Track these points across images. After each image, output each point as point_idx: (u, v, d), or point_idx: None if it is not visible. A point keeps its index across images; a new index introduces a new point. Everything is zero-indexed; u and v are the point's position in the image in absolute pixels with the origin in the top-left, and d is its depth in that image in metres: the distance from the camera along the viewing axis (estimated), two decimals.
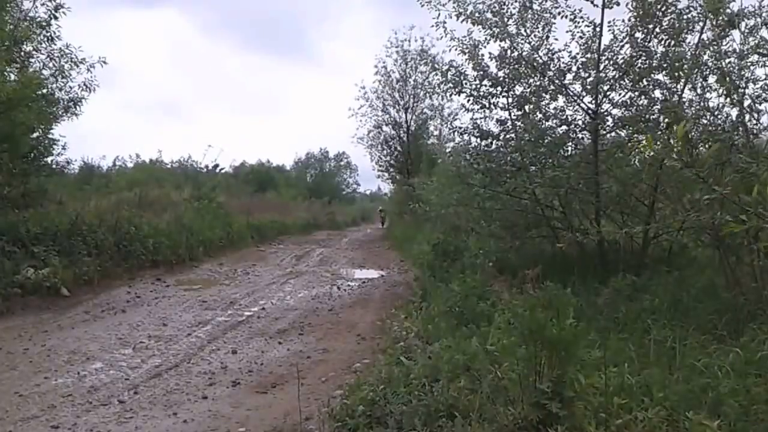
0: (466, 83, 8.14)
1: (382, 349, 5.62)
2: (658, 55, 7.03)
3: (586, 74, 7.49)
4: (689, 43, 7.03)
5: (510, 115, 8.13)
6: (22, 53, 10.41)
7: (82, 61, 11.26)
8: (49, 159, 12.57)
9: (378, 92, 27.01)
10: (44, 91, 10.42)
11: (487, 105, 8.20)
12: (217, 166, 51.17)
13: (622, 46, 7.31)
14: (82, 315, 7.72)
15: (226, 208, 18.19)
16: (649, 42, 7.14)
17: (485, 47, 7.95)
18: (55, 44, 10.97)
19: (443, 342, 5.11)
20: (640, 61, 7.18)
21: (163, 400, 4.53)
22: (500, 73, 8.03)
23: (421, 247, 12.36)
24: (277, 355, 5.92)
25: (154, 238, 11.72)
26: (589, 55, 7.48)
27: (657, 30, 7.10)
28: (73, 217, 10.03)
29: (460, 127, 8.53)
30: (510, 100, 8.09)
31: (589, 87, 7.47)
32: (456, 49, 8.03)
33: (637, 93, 7.30)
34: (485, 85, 8.12)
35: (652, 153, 3.66)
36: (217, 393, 4.74)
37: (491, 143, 8.22)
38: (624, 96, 7.44)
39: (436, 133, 27.15)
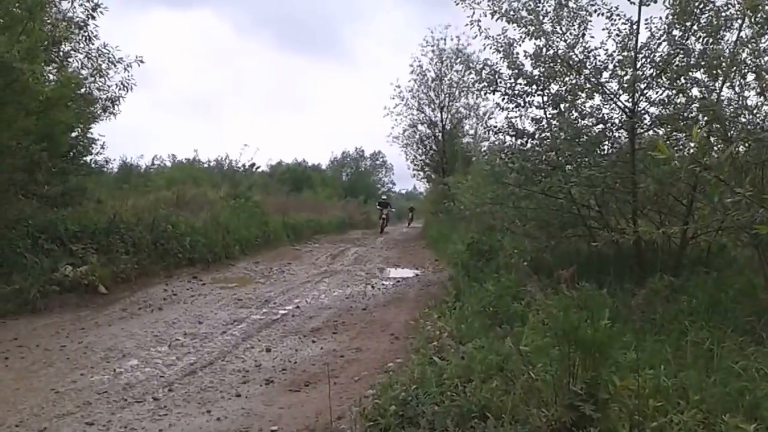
0: (500, 82, 8.10)
1: (416, 348, 5.58)
2: (696, 52, 6.89)
3: (623, 72, 7.36)
4: (727, 40, 6.88)
5: (545, 113, 8.05)
6: (61, 53, 10.58)
7: (119, 60, 11.46)
8: (88, 158, 12.80)
9: (413, 91, 26.98)
10: (82, 90, 10.59)
11: (522, 104, 8.14)
12: (253, 165, 51.51)
13: (660, 43, 7.18)
14: (120, 312, 7.83)
15: (262, 207, 18.29)
16: (687, 40, 7.00)
17: (520, 45, 7.89)
18: (93, 44, 11.15)
19: (476, 342, 5.09)
20: (677, 58, 7.05)
21: (197, 398, 4.58)
22: (535, 72, 7.96)
23: (456, 247, 12.29)
24: (310, 353, 5.94)
25: (191, 236, 11.84)
26: (625, 53, 7.36)
27: (695, 27, 6.95)
28: (111, 215, 10.18)
29: (495, 126, 8.49)
30: (545, 98, 8.00)
31: (625, 85, 7.35)
32: (491, 48, 8.00)
33: (674, 91, 7.17)
34: (520, 84, 8.06)
35: (695, 147, 3.55)
36: (250, 391, 4.77)
37: (526, 142, 8.16)
38: (661, 94, 7.31)
39: (471, 132, 27.09)
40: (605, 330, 3.54)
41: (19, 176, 8.89)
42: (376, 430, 3.67)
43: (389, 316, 7.74)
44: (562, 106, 7.86)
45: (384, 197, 34.67)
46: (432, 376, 4.36)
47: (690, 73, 7.06)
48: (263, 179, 48.53)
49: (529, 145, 8.09)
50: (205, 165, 48.61)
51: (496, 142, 9.02)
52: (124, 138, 47.14)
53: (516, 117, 8.25)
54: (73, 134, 11.52)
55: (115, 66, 11.36)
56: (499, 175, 8.23)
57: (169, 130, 79.12)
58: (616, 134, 7.74)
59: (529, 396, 3.71)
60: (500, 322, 6.12)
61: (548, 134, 7.88)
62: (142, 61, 11.55)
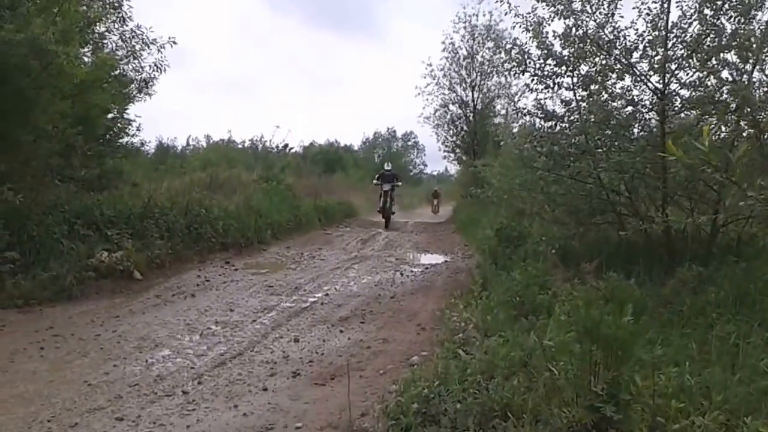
0: (529, 62, 8.03)
1: (441, 340, 5.62)
2: (727, 33, 6.74)
3: (654, 53, 7.25)
4: (759, 20, 6.74)
5: (575, 95, 7.98)
6: (95, 35, 10.69)
7: (153, 41, 11.61)
8: (124, 140, 13.01)
9: (445, 70, 26.70)
10: (117, 72, 10.76)
11: (551, 85, 8.06)
12: (286, 146, 51.78)
13: (691, 23, 7.05)
14: (153, 299, 7.99)
15: (294, 190, 18.42)
16: (718, 19, 6.86)
17: (549, 25, 7.82)
18: (127, 25, 11.31)
19: (501, 335, 5.10)
20: (708, 39, 6.92)
21: (225, 392, 4.67)
22: (565, 52, 7.88)
23: (486, 231, 12.25)
24: (337, 344, 6.01)
25: (224, 220, 11.99)
26: (656, 33, 7.24)
27: (726, 7, 6.81)
28: (146, 200, 10.33)
29: (524, 108, 8.43)
30: (575, 79, 7.93)
31: (656, 66, 7.24)
32: (520, 27, 7.94)
33: (705, 73, 7.03)
34: (549, 64, 8.00)
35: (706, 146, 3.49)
36: (277, 384, 4.85)
37: (555, 125, 8.08)
38: (692, 76, 7.17)
39: (503, 112, 26.81)
40: (628, 327, 3.52)
41: (55, 161, 9.04)
42: (397, 428, 3.71)
43: (417, 305, 7.78)
44: (591, 87, 7.78)
45: (387, 167, 22.25)
46: (455, 371, 4.39)
47: (721, 54, 6.93)
48: (296, 160, 48.84)
49: (558, 128, 8.03)
50: (240, 146, 49.19)
51: (526, 124, 8.98)
52: (160, 119, 47.81)
53: (545, 98, 8.20)
54: (109, 116, 11.71)
55: (148, 47, 11.52)
56: (527, 160, 8.18)
57: (205, 110, 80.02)
58: (647, 116, 7.65)
59: (551, 395, 3.72)
60: (526, 314, 6.15)
61: (577, 116, 7.80)
62: (174, 42, 11.70)
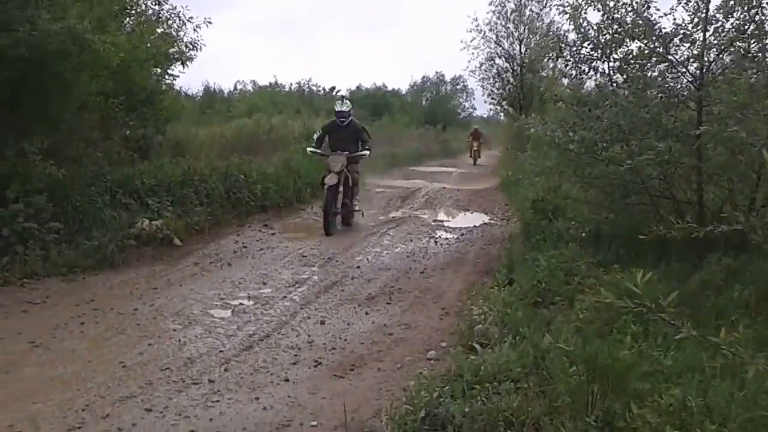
0: (565, 47, 7.95)
1: (460, 332, 5.76)
2: None
3: (692, 40, 7.10)
4: None
5: (610, 81, 7.88)
6: (132, 15, 11.01)
7: (190, 19, 12.06)
8: (166, 102, 13.32)
9: (491, 24, 26.32)
10: (154, 52, 11.05)
11: (587, 70, 7.99)
12: (333, 89, 51.73)
13: (731, 12, 6.85)
14: (192, 267, 8.29)
15: None
16: (759, 7, 6.65)
17: (586, 13, 7.70)
18: (163, 6, 11.71)
19: (519, 332, 5.21)
20: (750, 27, 6.74)
21: (249, 381, 4.88)
22: (601, 37, 7.76)
23: (527, 193, 12.21)
24: (361, 329, 6.18)
25: (263, 183, 12.24)
26: (696, 20, 7.06)
27: None
28: (186, 168, 10.62)
29: (555, 96, 8.37)
30: (611, 65, 7.84)
31: (695, 52, 7.10)
32: (556, 8, 7.86)
33: (745, 61, 6.86)
34: (586, 48, 7.91)
35: None
36: (298, 375, 5.05)
37: (589, 110, 7.99)
38: (731, 64, 7.01)
39: (551, 65, 26.30)
40: (625, 359, 3.61)
41: (96, 134, 9.35)
42: None
43: (445, 282, 7.89)
44: (627, 73, 7.67)
45: (344, 107, 11.79)
46: (468, 371, 4.53)
47: (762, 41, 6.76)
48: None
49: (592, 114, 7.94)
50: (287, 90, 49.23)
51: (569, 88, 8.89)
52: (210, 63, 48.01)
53: (579, 84, 8.14)
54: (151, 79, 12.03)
55: (185, 26, 11.95)
56: (561, 144, 8.13)
57: (252, 53, 79.84)
58: (683, 104, 7.52)
59: (552, 410, 3.84)
60: (548, 303, 6.25)
61: (612, 103, 7.70)
62: (210, 22, 12.18)
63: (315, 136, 11.94)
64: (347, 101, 12.14)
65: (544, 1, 25.33)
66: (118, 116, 10.02)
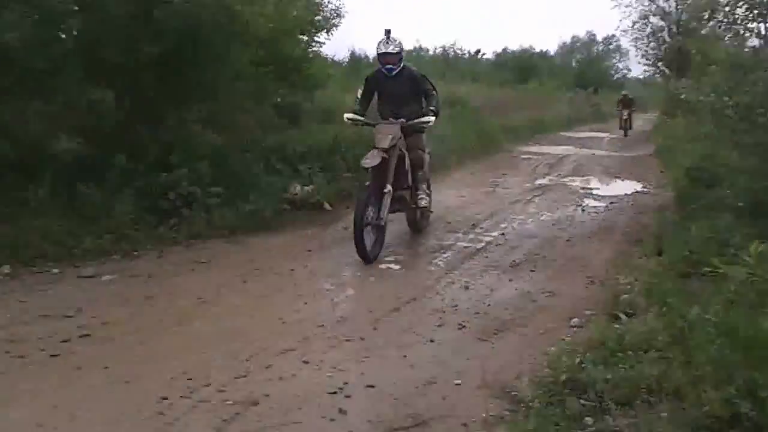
0: (718, 8, 7.58)
1: (606, 300, 5.72)
2: None
3: None
4: None
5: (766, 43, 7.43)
6: None
7: None
8: (313, 69, 13.82)
9: None
10: (300, 21, 11.53)
11: (742, 32, 7.57)
12: (478, 52, 51.02)
13: None
14: (342, 232, 8.64)
15: (478, 113, 18.43)
16: None
17: None
18: None
19: (666, 301, 5.11)
20: None
21: (397, 341, 5.12)
22: None
23: (683, 160, 11.71)
24: (505, 295, 6.27)
25: None
26: None
27: None
28: (334, 135, 11.05)
29: (708, 58, 7.97)
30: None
31: None
32: None
33: None
34: (741, 6, 7.49)
35: None
36: (443, 337, 5.22)
37: (744, 74, 7.58)
38: None
39: (710, 24, 24.67)
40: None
41: (250, 103, 9.91)
42: (545, 395, 3.95)
43: (591, 251, 7.78)
44: None
45: (390, 48, 7.55)
46: (611, 339, 4.53)
47: None
48: (488, 67, 48.18)
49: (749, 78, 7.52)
50: (430, 54, 49.13)
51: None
52: (354, 28, 48.77)
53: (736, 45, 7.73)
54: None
55: None
56: (717, 109, 7.74)
57: (397, 17, 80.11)
58: None
59: (695, 380, 3.78)
60: (699, 274, 6.04)
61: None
62: None
63: (358, 94, 8.67)
64: (395, 39, 7.66)
65: None
66: (269, 84, 10.51)
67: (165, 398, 4.07)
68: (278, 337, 5.14)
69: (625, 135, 25.57)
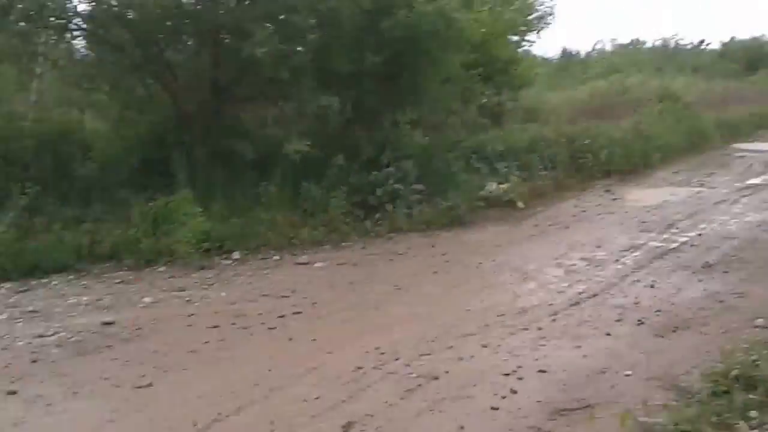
0: None
1: None
2: None
3: None
4: None
5: None
6: None
7: None
8: (520, 69, 14.14)
9: None
10: (512, 24, 11.89)
11: None
12: (702, 42, 47.94)
13: None
14: (531, 229, 8.98)
15: (692, 108, 17.58)
16: None
17: None
18: None
19: None
20: None
21: (573, 332, 5.40)
22: None
23: None
24: (690, 295, 6.26)
25: (609, 148, 12.38)
26: None
27: None
28: (533, 135, 11.33)
29: None
30: None
31: None
32: None
33: None
34: None
35: None
36: (620, 331, 5.40)
37: None
38: None
39: None
40: None
41: (457, 104, 10.46)
42: (714, 387, 4.06)
43: None
44: None
45: None
46: None
47: None
48: (711, 58, 45.09)
49: None
50: (649, 47, 46.88)
51: None
52: (568, 24, 47.91)
53: None
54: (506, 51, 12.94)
55: None
56: None
57: (614, 11, 77.28)
58: None
59: None
60: None
61: None
62: None
63: None
64: None
65: None
66: (476, 86, 11.01)
67: (360, 367, 4.75)
68: (461, 323, 5.64)
69: None
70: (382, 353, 4.99)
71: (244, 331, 5.59)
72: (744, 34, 53.24)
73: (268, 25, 8.06)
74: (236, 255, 7.69)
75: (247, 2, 8.67)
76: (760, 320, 5.42)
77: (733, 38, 47.45)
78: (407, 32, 8.55)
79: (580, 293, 6.37)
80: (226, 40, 8.48)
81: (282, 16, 8.40)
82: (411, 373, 4.65)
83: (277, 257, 7.71)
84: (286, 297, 6.40)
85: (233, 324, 5.71)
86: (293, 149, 8.19)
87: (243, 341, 5.39)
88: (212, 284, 6.82)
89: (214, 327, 5.63)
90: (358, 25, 8.51)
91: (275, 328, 5.63)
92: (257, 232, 7.97)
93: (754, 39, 48.71)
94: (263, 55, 7.64)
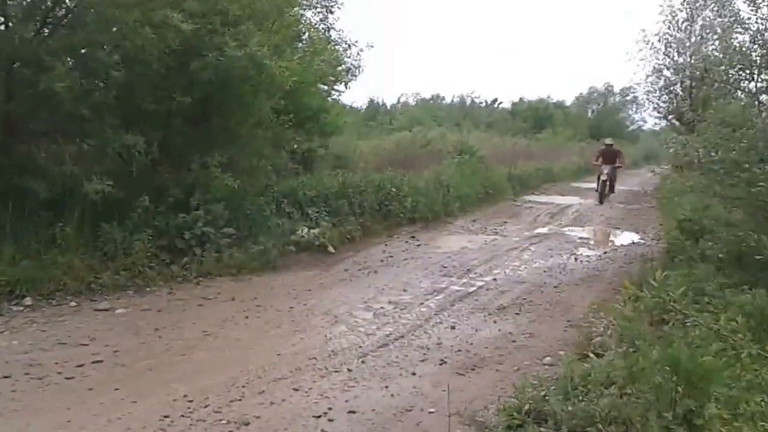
0: (711, 69, 8.09)
1: (579, 342, 6.14)
2: None
3: None
4: None
5: (757, 102, 7.90)
6: (303, 42, 12.29)
7: (355, 42, 13.51)
8: (330, 117, 14.57)
9: (660, 34, 25.63)
10: (321, 74, 12.25)
11: (731, 90, 8.06)
12: (495, 101, 51.81)
13: None
14: (342, 273, 9.19)
15: (486, 161, 18.95)
16: None
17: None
18: (331, 34, 13.13)
19: (635, 343, 5.52)
20: None
21: (381, 372, 5.59)
22: (754, 55, 7.82)
23: (678, 212, 12.10)
24: (487, 335, 6.72)
25: (413, 197, 13.04)
26: None
27: None
28: (342, 181, 11.66)
29: (698, 116, 8.48)
30: (758, 85, 7.87)
31: None
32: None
33: None
34: (734, 67, 7.99)
35: None
36: (425, 370, 5.69)
37: (733, 130, 8.04)
38: None
39: (724, 77, 25.13)
40: (704, 364, 3.95)
41: (268, 149, 10.53)
42: (513, 424, 4.40)
43: (576, 297, 8.23)
44: None
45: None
46: (577, 376, 4.95)
47: None
48: (503, 116, 48.89)
49: (736, 134, 7.97)
50: (448, 102, 49.98)
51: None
52: (374, 74, 49.98)
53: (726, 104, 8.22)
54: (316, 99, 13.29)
55: (350, 48, 13.29)
56: (706, 163, 8.19)
57: (417, 66, 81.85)
58: None
59: (643, 410, 4.21)
60: (673, 321, 6.45)
61: (751, 126, 7.71)
62: (371, 46, 13.58)
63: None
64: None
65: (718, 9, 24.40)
66: (287, 132, 11.15)
67: (167, 416, 4.58)
68: (273, 367, 5.63)
69: (600, 202, 18.81)
70: (191, 401, 4.85)
71: (38, 381, 5.16)
72: (531, 95, 58.27)
73: (68, 59, 7.68)
74: (28, 301, 7.10)
75: (46, 33, 8.20)
76: (548, 358, 5.94)
77: (521, 98, 52.03)
78: (218, 75, 8.49)
79: (387, 335, 6.61)
80: (24, 71, 7.93)
81: (84, 50, 8.06)
82: (221, 420, 4.56)
83: (74, 303, 7.22)
84: (85, 345, 6.01)
85: (26, 374, 5.27)
86: (93, 189, 7.76)
87: (38, 392, 4.98)
88: (1, 332, 6.25)
89: (5, 377, 5.16)
90: (166, 64, 8.33)
91: (73, 377, 5.26)
92: (52, 275, 7.42)
93: (540, 100, 53.70)
94: (62, 89, 7.24)
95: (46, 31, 8.24)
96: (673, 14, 25.19)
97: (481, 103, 51.25)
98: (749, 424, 3.82)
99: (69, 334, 6.30)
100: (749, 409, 3.96)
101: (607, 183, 18.88)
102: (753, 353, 4.93)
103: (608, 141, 20.10)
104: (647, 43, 25.58)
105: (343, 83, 14.31)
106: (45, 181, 7.81)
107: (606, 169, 18.76)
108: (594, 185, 19.84)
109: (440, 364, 5.86)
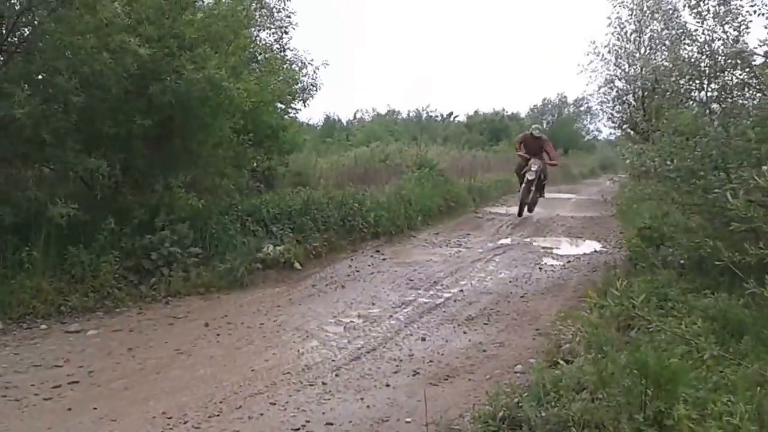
0: (662, 79, 8.33)
1: (548, 350, 6.28)
2: None
3: None
4: None
5: (708, 111, 8.16)
6: (260, 63, 12.46)
7: (311, 62, 14.12)
8: (289, 135, 14.69)
9: (610, 45, 26.22)
10: (278, 93, 12.39)
11: (683, 101, 8.33)
12: (451, 114, 52.33)
13: None
14: (310, 289, 9.23)
15: (446, 174, 19.12)
16: None
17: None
18: (287, 54, 13.37)
19: (603, 349, 5.68)
20: None
21: (356, 385, 5.66)
22: (702, 66, 8.09)
23: (638, 220, 12.39)
24: (458, 345, 6.83)
25: (376, 211, 13.12)
26: None
27: None
28: (305, 197, 11.71)
29: (652, 125, 8.71)
30: (709, 94, 8.13)
31: None
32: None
33: None
34: (684, 77, 8.26)
35: None
36: (398, 382, 5.77)
37: (687, 139, 8.29)
38: None
39: (675, 88, 25.78)
40: (671, 367, 4.11)
41: (229, 168, 10.54)
42: (488, 431, 4.49)
43: (543, 306, 8.39)
44: (725, 104, 7.96)
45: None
46: (548, 382, 5.08)
47: None
48: (459, 129, 49.39)
49: (689, 143, 8.23)
50: (404, 116, 50.31)
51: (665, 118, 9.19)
52: (331, 91, 50.34)
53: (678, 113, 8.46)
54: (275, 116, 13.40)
55: (306, 67, 13.51)
56: (662, 172, 8.43)
57: (372, 81, 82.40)
58: None
59: (615, 413, 4.36)
60: (638, 326, 6.64)
61: (710, 132, 7.96)
62: (327, 64, 13.93)
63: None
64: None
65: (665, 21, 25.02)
66: (248, 151, 11.20)
67: None
68: (248, 382, 5.66)
69: (520, 214, 16.98)
70: (169, 417, 4.87)
71: (17, 402, 5.13)
72: (486, 107, 59.00)
73: (26, 85, 7.63)
74: None
75: (1, 60, 8.14)
76: (519, 366, 6.08)
77: (476, 111, 52.66)
78: (177, 98, 8.51)
79: (359, 348, 6.68)
80: None
81: (41, 77, 8.03)
82: None
83: (44, 326, 7.14)
84: (59, 366, 5.97)
85: (4, 396, 5.23)
86: (58, 212, 7.71)
87: (17, 413, 4.95)
88: None
89: None
90: (125, 88, 8.33)
91: (51, 398, 5.24)
92: (21, 299, 7.35)
93: (495, 113, 54.36)
94: (22, 115, 7.20)
95: (2, 58, 8.17)
96: (622, 26, 25.72)
97: (437, 117, 51.74)
98: (718, 423, 3.97)
99: (42, 356, 6.24)
100: (716, 409, 4.11)
101: (534, 183, 16.03)
102: (716, 355, 5.14)
103: (536, 132, 16.43)
104: (598, 55, 26.03)
105: (302, 101, 14.45)
106: (9, 206, 7.73)
107: (534, 166, 15.81)
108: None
109: (413, 375, 5.95)
